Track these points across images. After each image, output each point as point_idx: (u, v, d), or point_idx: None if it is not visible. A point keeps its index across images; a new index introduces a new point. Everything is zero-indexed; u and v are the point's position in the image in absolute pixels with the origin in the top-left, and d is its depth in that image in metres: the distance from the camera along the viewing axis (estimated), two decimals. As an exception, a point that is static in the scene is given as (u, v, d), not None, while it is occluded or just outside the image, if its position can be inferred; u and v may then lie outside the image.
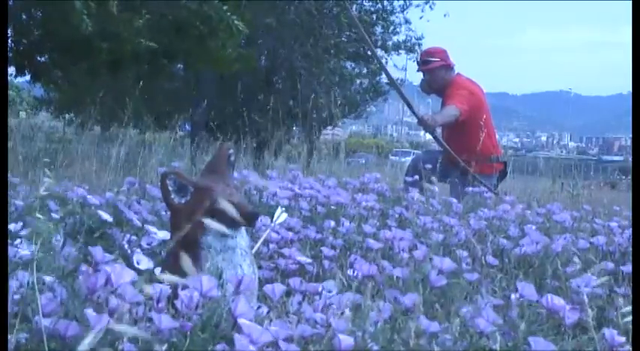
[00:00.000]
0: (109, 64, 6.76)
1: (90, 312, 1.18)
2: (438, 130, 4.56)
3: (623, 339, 1.40)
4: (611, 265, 2.16)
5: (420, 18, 14.63)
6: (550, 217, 3.04)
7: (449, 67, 4.45)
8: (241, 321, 1.19)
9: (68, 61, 7.02)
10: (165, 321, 1.19)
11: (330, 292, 1.69)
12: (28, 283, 1.33)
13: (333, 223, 2.51)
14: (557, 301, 1.55)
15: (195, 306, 1.28)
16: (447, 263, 1.80)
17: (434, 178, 3.55)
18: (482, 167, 4.27)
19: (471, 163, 4.15)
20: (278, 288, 1.53)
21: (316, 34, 12.45)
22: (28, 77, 7.85)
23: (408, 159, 7.15)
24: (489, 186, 4.10)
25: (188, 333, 1.20)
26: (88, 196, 2.58)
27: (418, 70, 4.54)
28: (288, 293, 1.60)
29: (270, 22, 11.60)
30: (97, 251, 1.53)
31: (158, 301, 1.27)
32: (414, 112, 4.43)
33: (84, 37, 5.95)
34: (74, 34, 5.97)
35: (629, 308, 1.46)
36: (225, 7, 6.57)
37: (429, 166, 3.89)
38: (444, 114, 4.26)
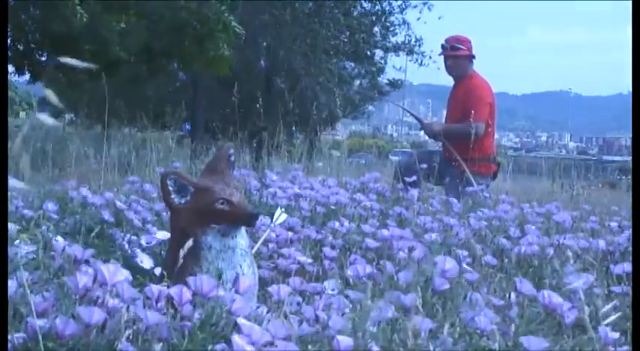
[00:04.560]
0: (106, 64, 6.77)
1: (82, 309, 1.18)
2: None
3: (616, 335, 1.40)
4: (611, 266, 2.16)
5: (418, 19, 14.67)
6: (550, 217, 3.04)
7: (473, 57, 4.48)
8: (240, 321, 1.19)
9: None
10: (151, 317, 1.20)
11: (333, 290, 1.70)
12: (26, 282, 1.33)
13: (332, 223, 2.51)
14: (555, 299, 1.55)
15: (192, 304, 1.28)
16: (450, 264, 1.78)
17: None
18: (480, 167, 4.28)
19: (470, 163, 4.17)
20: (283, 289, 1.53)
21: (315, 35, 12.45)
22: (27, 77, 7.85)
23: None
24: (484, 186, 4.12)
25: (187, 332, 1.20)
26: (88, 196, 2.58)
27: (441, 54, 4.56)
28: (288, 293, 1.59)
29: (268, 21, 11.60)
30: (77, 249, 1.52)
31: (157, 301, 1.27)
32: (421, 124, 4.56)
33: (77, 35, 5.95)
34: (69, 31, 5.98)
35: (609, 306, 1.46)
36: (223, 8, 6.58)
37: (424, 166, 3.91)
38: (466, 131, 4.19)
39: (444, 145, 4.46)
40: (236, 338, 1.12)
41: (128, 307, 1.21)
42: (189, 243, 1.47)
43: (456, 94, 4.51)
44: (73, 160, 4.63)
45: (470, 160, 4.12)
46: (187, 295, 1.29)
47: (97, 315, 1.18)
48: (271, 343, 1.16)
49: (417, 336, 1.17)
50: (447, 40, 4.57)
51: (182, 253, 1.43)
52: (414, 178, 3.75)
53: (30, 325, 1.16)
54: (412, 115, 5.08)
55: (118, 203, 2.53)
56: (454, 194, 3.77)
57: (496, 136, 4.92)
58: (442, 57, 4.59)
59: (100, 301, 1.25)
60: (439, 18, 14.82)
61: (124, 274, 1.31)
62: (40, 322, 1.15)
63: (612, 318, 1.42)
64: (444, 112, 4.79)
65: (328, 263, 2.06)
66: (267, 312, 1.43)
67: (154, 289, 1.29)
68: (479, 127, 4.19)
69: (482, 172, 4.30)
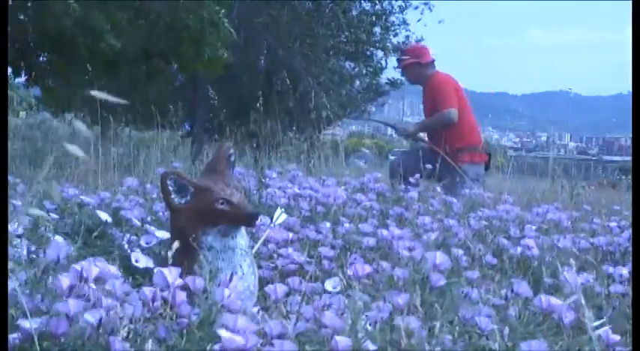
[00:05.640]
0: (102, 64, 6.77)
1: (60, 304, 1.19)
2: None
3: (617, 338, 1.40)
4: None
5: (418, 21, 14.63)
6: (550, 218, 3.04)
7: (422, 64, 4.56)
8: (227, 316, 1.19)
9: (64, 60, 7.02)
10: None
11: (334, 287, 1.70)
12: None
13: (323, 224, 2.51)
14: (554, 301, 1.55)
15: (191, 302, 1.28)
16: (441, 258, 1.78)
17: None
18: (472, 156, 4.36)
19: (459, 154, 4.24)
20: (280, 288, 1.53)
21: (315, 34, 12.45)
22: (24, 78, 7.82)
23: None
24: (476, 175, 4.26)
25: (185, 332, 1.20)
26: (86, 197, 2.58)
27: (395, 68, 4.85)
28: (287, 293, 1.59)
29: (267, 21, 11.60)
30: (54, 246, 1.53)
31: (153, 301, 1.27)
32: (395, 129, 4.77)
33: (71, 31, 5.97)
34: (63, 29, 5.99)
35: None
36: (218, 8, 6.60)
37: (417, 164, 4.00)
38: (440, 120, 4.36)
39: (430, 142, 4.54)
40: (222, 332, 1.12)
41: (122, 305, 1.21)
42: (176, 244, 1.47)
43: (425, 98, 4.64)
44: (73, 159, 4.62)
45: (457, 151, 4.21)
46: (182, 295, 1.29)
47: (73, 306, 1.18)
48: (266, 339, 1.16)
49: (410, 335, 1.17)
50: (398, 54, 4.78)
51: (170, 253, 1.43)
52: (416, 176, 3.80)
53: (22, 326, 1.16)
54: (385, 123, 5.37)
55: (115, 203, 2.53)
56: (450, 187, 3.84)
57: (484, 132, 4.96)
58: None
59: (86, 296, 1.25)
60: (439, 22, 14.80)
61: (99, 269, 1.31)
62: (35, 324, 1.15)
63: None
64: None
65: (327, 263, 2.05)
66: (266, 311, 1.43)
67: (147, 291, 1.29)
68: (450, 113, 4.29)
69: (474, 161, 4.37)
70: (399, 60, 4.73)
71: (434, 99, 4.45)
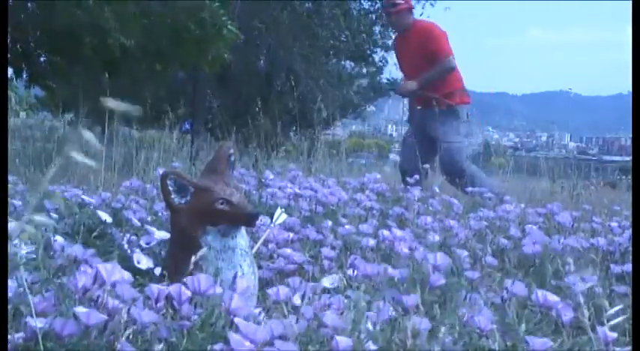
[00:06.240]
0: (105, 63, 6.76)
1: (80, 309, 1.18)
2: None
3: (615, 335, 1.40)
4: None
5: (420, 15, 14.60)
6: (550, 217, 3.04)
7: (411, 9, 4.65)
8: (237, 320, 1.19)
9: (64, 60, 7.02)
10: (146, 315, 1.20)
11: (332, 284, 1.70)
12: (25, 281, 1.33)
13: (331, 223, 2.51)
14: (551, 297, 1.55)
15: (192, 303, 1.28)
16: (442, 258, 1.78)
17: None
18: (461, 97, 4.51)
19: (450, 98, 4.40)
20: (282, 290, 1.53)
21: (315, 35, 12.46)
22: (24, 79, 7.81)
23: None
24: (466, 115, 4.45)
25: (186, 332, 1.20)
26: (86, 197, 2.58)
27: (385, 13, 4.86)
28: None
29: (267, 21, 11.61)
30: (78, 249, 1.53)
31: (157, 301, 1.27)
32: (395, 91, 4.83)
33: (77, 30, 5.98)
34: (68, 27, 6.00)
35: (614, 310, 1.44)
36: (221, 12, 6.61)
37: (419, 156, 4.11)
38: (442, 69, 4.42)
39: (410, 104, 4.74)
40: (234, 336, 1.12)
41: (129, 309, 1.21)
42: (204, 250, 1.47)
43: (407, 45, 4.63)
44: (72, 159, 4.61)
45: (447, 95, 4.37)
46: (187, 294, 1.28)
47: (94, 317, 1.17)
48: (270, 343, 1.16)
49: (416, 336, 1.16)
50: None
51: (194, 259, 1.43)
52: (415, 177, 3.83)
53: (29, 325, 1.16)
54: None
55: (115, 204, 2.53)
56: (447, 134, 4.18)
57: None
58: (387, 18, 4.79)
59: (99, 301, 1.25)
60: (445, 9, 14.82)
61: (122, 273, 1.30)
62: (39, 324, 1.15)
63: (617, 320, 1.41)
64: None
65: (328, 263, 2.05)
66: (267, 312, 1.43)
67: (154, 288, 1.29)
68: (450, 61, 4.41)
69: (463, 102, 4.52)
70: (392, 5, 4.57)
71: (426, 47, 4.42)
